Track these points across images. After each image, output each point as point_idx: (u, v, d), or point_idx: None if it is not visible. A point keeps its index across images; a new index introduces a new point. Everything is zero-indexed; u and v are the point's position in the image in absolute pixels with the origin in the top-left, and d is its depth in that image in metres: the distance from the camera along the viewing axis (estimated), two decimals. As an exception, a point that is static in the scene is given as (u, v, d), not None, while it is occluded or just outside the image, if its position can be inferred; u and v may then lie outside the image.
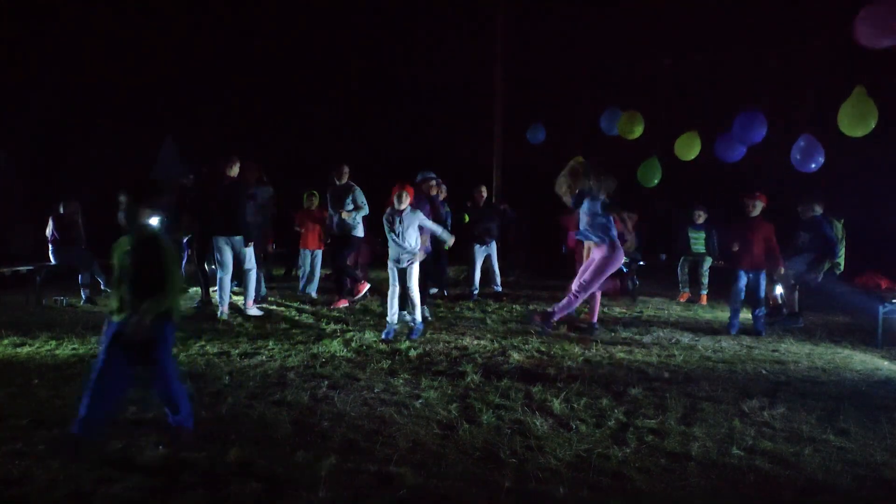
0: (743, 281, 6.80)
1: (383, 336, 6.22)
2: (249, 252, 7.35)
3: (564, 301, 6.28)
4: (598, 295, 6.82)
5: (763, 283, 6.80)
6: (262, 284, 8.46)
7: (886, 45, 5.93)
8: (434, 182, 7.70)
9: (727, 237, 7.19)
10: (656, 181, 9.61)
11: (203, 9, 16.97)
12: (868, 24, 5.96)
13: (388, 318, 6.34)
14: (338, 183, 8.11)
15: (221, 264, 7.26)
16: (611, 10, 14.56)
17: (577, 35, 15.04)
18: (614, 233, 6.20)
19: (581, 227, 6.37)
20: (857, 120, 7.01)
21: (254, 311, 7.35)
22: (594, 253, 6.27)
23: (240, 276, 7.55)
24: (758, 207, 6.73)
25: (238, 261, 7.32)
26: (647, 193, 10.66)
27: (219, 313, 7.17)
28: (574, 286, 6.29)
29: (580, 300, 6.30)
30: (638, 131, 9.36)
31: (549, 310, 6.35)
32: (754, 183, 7.60)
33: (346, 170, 8.15)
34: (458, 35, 16.55)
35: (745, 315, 7.08)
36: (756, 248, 6.68)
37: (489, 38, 12.99)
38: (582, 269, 6.37)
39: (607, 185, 6.21)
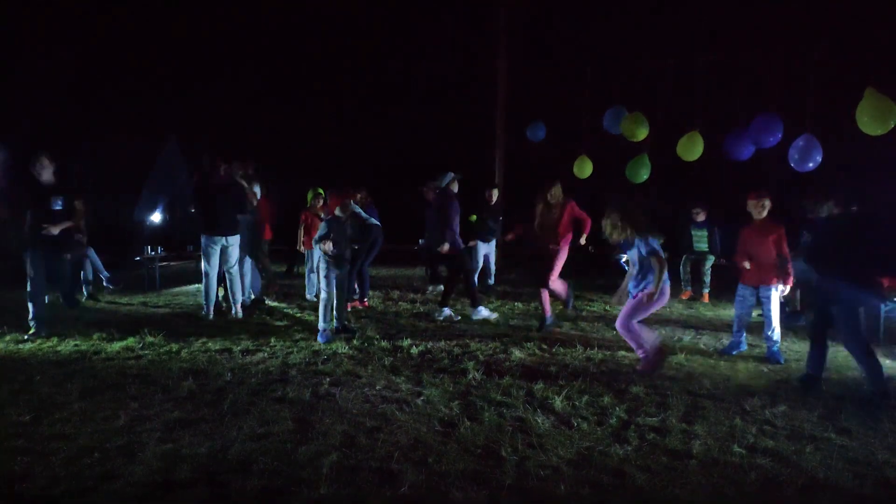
0: (750, 301, 5.83)
1: (321, 340, 5.99)
2: (235, 252, 7.31)
3: (644, 346, 5.23)
4: (547, 293, 6.76)
5: (774, 299, 5.68)
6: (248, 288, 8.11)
7: None
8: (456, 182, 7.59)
9: (734, 244, 6.08)
10: (645, 177, 9.62)
11: (204, 10, 17.01)
12: None
13: (326, 324, 6.12)
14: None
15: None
16: (614, 8, 14.56)
17: (579, 33, 15.04)
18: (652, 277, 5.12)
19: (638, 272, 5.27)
20: (877, 117, 6.96)
21: (239, 312, 7.32)
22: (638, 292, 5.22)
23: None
24: (766, 208, 5.76)
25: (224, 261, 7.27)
26: (632, 189, 10.61)
27: (233, 312, 7.32)
28: (622, 324, 5.26)
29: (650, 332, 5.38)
30: (642, 134, 9.30)
31: (644, 359, 5.24)
32: (757, 182, 7.49)
33: None
34: (460, 33, 16.55)
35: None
36: (765, 258, 5.67)
37: (492, 35, 12.98)
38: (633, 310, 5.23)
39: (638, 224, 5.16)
